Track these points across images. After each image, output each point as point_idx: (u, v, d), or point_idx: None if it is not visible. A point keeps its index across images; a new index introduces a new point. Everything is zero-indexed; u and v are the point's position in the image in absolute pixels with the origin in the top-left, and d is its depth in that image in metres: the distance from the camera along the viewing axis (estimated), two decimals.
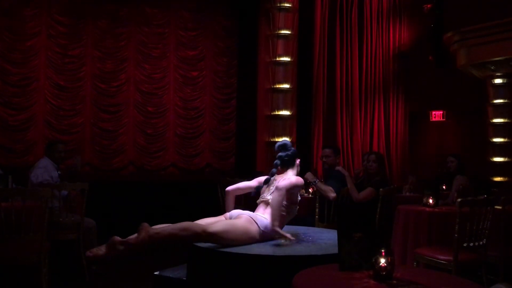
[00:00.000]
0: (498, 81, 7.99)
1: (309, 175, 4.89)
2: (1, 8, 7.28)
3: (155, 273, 3.08)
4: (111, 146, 7.99)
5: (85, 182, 4.57)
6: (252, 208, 2.97)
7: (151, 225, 2.65)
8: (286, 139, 3.19)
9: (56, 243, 4.32)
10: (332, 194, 4.67)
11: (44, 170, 4.81)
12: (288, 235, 2.67)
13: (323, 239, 2.84)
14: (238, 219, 2.75)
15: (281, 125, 7.97)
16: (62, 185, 4.58)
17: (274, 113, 7.95)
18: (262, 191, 3.03)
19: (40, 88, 7.57)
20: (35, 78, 7.53)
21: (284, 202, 2.81)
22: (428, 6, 8.81)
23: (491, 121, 8.14)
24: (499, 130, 8.11)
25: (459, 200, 3.46)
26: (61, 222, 4.46)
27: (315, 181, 4.81)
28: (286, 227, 2.95)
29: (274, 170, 3.05)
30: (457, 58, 7.44)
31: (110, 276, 4.68)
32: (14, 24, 7.36)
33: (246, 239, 2.65)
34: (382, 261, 1.81)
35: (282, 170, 3.06)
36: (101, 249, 2.51)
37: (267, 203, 2.88)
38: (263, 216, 2.81)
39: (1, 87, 7.32)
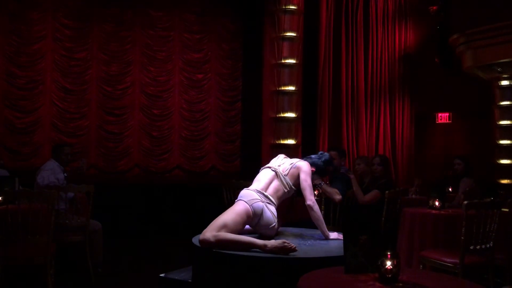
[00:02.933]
0: (504, 83, 7.93)
1: (314, 177, 4.88)
2: (8, 12, 7.35)
3: (161, 275, 3.09)
4: (117, 148, 8.02)
5: (91, 184, 4.58)
6: None
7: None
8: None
9: (62, 245, 4.33)
10: (338, 197, 4.66)
11: (51, 172, 4.83)
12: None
13: (329, 241, 2.84)
14: None
15: (287, 127, 7.96)
16: (68, 187, 4.60)
17: (280, 115, 7.94)
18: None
19: (47, 91, 7.62)
20: (41, 81, 7.59)
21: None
22: (434, 8, 8.78)
23: (497, 123, 8.09)
24: (506, 132, 8.05)
25: (465, 202, 3.44)
26: (67, 224, 4.47)
27: (320, 184, 4.80)
28: (290, 229, 2.96)
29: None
30: (463, 60, 7.40)
31: (116, 278, 4.69)
32: (20, 27, 7.42)
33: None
34: (388, 263, 1.80)
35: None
36: None
37: None
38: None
39: (8, 90, 7.38)
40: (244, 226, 2.78)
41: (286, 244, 2.45)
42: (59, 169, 4.95)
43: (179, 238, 4.78)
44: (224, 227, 2.63)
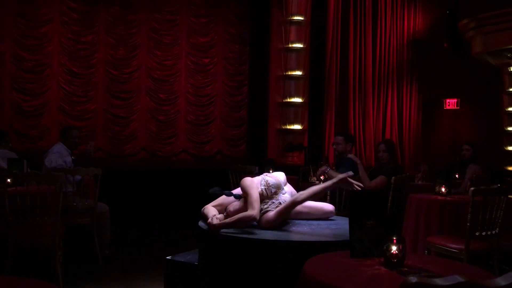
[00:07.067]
0: None
1: (321, 164, 4.88)
2: None
3: (167, 257, 3.11)
4: (123, 132, 8.06)
5: (98, 167, 4.61)
6: None
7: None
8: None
9: (70, 227, 4.38)
10: None
11: (58, 155, 4.86)
12: None
13: (335, 226, 2.85)
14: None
15: (293, 112, 7.94)
16: (76, 170, 4.63)
17: (286, 100, 7.91)
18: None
19: (54, 74, 7.63)
20: (48, 65, 7.60)
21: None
22: None
23: (506, 109, 8.02)
24: None
25: (472, 189, 3.43)
26: (74, 207, 4.52)
27: (327, 169, 4.80)
28: None
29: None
30: (472, 46, 7.32)
31: (123, 260, 4.75)
32: (28, 10, 7.41)
33: None
34: (393, 248, 1.80)
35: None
36: None
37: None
38: None
39: (16, 73, 7.40)
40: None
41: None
42: (67, 152, 4.97)
43: (185, 221, 4.83)
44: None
